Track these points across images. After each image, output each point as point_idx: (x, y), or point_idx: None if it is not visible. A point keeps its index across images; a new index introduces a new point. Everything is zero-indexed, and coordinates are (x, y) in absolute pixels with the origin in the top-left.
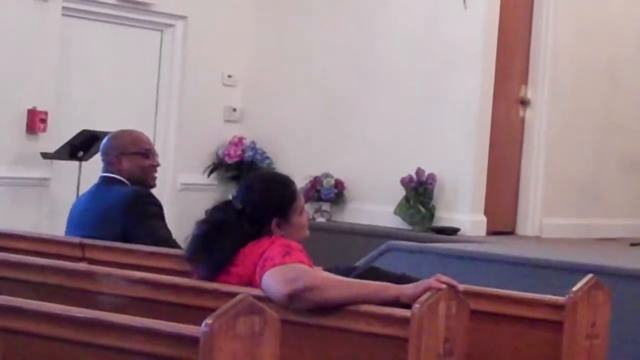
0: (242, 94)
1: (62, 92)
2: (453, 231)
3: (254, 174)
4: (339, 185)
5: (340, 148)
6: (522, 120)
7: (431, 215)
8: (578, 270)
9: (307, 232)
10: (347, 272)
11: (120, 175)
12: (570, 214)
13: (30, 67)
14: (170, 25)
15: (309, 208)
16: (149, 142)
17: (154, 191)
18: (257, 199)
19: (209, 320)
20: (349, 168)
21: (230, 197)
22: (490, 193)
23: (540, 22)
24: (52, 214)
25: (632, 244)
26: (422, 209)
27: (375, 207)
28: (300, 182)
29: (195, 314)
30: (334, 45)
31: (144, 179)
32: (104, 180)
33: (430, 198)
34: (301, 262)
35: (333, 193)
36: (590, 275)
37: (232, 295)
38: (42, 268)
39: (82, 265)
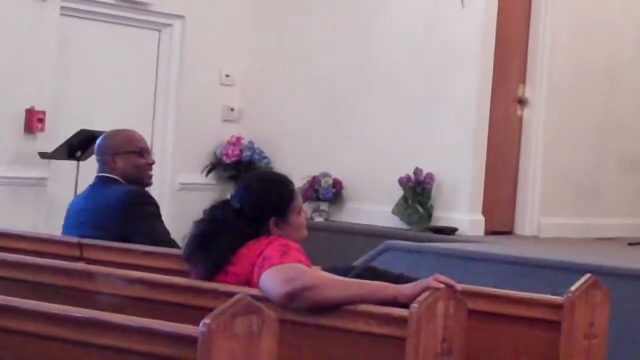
0: (240, 94)
1: (60, 92)
2: (451, 231)
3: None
4: (337, 185)
5: (338, 148)
6: (521, 120)
7: (429, 215)
8: (576, 270)
9: (306, 232)
10: (345, 272)
11: (116, 175)
12: (568, 214)
13: (29, 67)
14: (169, 25)
15: (307, 208)
16: (143, 141)
17: (153, 191)
18: (255, 198)
19: (207, 320)
20: (348, 168)
21: (228, 196)
22: (489, 193)
23: (538, 21)
24: (50, 214)
25: (631, 244)
26: (421, 209)
27: (373, 207)
28: (299, 182)
29: (194, 314)
30: (332, 45)
31: (140, 178)
32: (101, 180)
33: (429, 198)
34: (299, 262)
35: (331, 193)
36: (588, 275)
37: (230, 295)
38: (40, 268)
39: (81, 265)
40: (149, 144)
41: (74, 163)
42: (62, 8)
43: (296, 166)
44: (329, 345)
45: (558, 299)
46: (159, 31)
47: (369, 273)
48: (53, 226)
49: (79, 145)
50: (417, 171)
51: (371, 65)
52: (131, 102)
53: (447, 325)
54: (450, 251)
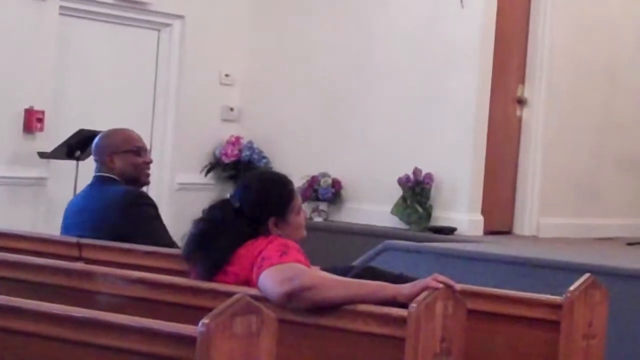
0: (240, 94)
1: (59, 92)
2: (450, 231)
3: (252, 173)
4: (336, 184)
5: (337, 148)
6: (520, 120)
7: (428, 214)
8: (575, 270)
9: (305, 232)
10: (344, 271)
11: (114, 174)
12: (567, 214)
13: (27, 67)
14: (168, 25)
15: (306, 208)
16: (140, 140)
17: (151, 191)
18: (254, 198)
19: (206, 320)
20: (346, 168)
21: (227, 196)
22: (488, 192)
23: (537, 21)
24: (49, 214)
25: (629, 244)
26: (419, 209)
27: (372, 207)
28: (298, 181)
29: (193, 314)
30: (331, 45)
31: (138, 177)
32: (99, 180)
33: (428, 198)
34: (298, 261)
35: (330, 193)
36: (587, 275)
37: (229, 294)
38: (39, 268)
39: (80, 265)
40: (147, 143)
41: (73, 163)
42: (61, 7)
43: (295, 166)
44: (328, 345)
45: (557, 298)
46: (158, 31)
47: (368, 273)
48: (52, 226)
49: (78, 145)
50: (416, 171)
51: (370, 65)
52: (130, 102)
53: (445, 324)
54: (449, 251)
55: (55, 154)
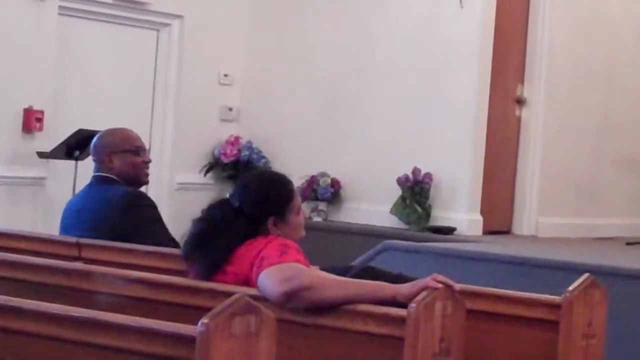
0: (239, 93)
1: (59, 92)
2: (449, 230)
3: (251, 173)
4: (335, 184)
5: (336, 147)
6: (519, 119)
7: (427, 214)
8: (574, 270)
9: (304, 232)
10: (343, 271)
11: (113, 174)
12: (566, 213)
13: (27, 66)
14: (167, 25)
15: (305, 207)
16: (138, 139)
17: (150, 190)
18: (254, 197)
19: (205, 320)
20: (346, 167)
21: (226, 195)
22: (487, 192)
23: (536, 20)
24: (48, 214)
25: (628, 243)
26: (419, 209)
27: (371, 207)
28: (297, 181)
29: (192, 314)
30: (331, 45)
31: (136, 176)
32: (97, 180)
33: (427, 197)
34: (298, 261)
35: (329, 192)
36: (586, 275)
37: (228, 294)
38: (39, 267)
39: (79, 265)
40: (147, 143)
41: (72, 162)
42: (61, 7)
43: (294, 166)
44: (327, 344)
45: (556, 298)
46: (158, 30)
47: (367, 272)
48: (51, 226)
49: (77, 145)
50: (415, 171)
51: (370, 65)
52: (129, 102)
53: (445, 324)
54: (449, 251)
55: (54, 154)
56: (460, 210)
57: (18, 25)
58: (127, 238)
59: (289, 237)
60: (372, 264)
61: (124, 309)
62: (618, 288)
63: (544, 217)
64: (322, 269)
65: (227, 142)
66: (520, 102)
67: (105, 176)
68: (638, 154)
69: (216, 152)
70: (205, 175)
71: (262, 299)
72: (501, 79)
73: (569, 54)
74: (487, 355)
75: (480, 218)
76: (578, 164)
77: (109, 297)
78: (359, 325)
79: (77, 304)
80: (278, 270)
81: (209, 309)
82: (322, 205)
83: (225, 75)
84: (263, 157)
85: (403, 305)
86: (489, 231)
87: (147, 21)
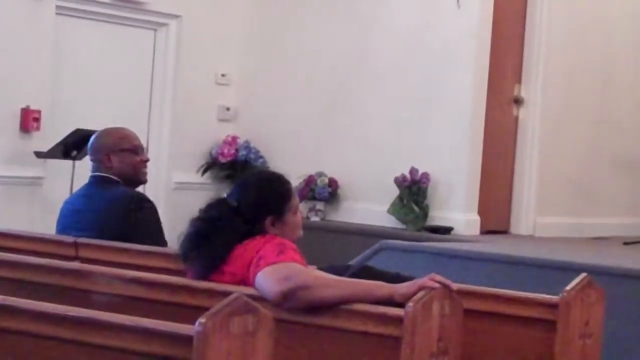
0: (236, 93)
1: (56, 91)
2: (446, 230)
3: (249, 172)
4: (333, 184)
5: (334, 147)
6: (516, 119)
7: (425, 214)
8: (571, 269)
9: (301, 232)
10: (341, 271)
11: (111, 174)
12: (563, 213)
13: (24, 66)
14: (164, 24)
15: (303, 207)
16: (136, 139)
17: (148, 190)
18: (252, 196)
19: (202, 320)
20: (343, 167)
21: (224, 195)
22: (484, 192)
23: (533, 21)
24: (45, 213)
25: (626, 243)
26: (416, 208)
27: (369, 206)
28: (295, 181)
29: (190, 313)
30: (328, 45)
31: (135, 175)
32: (96, 180)
33: (424, 197)
34: (295, 261)
35: (327, 192)
36: (583, 274)
37: (225, 294)
38: (36, 267)
39: (76, 264)
40: (144, 142)
41: (69, 162)
42: (58, 7)
43: (292, 165)
44: (325, 344)
45: (553, 298)
46: (155, 30)
47: (365, 272)
48: (48, 225)
49: (74, 145)
50: (413, 170)
51: (367, 65)
52: (126, 101)
53: (442, 324)
54: (446, 250)
55: (52, 154)
56: (457, 210)
57: (15, 24)
58: (126, 239)
59: (287, 236)
60: (370, 263)
61: (121, 308)
62: (615, 288)
63: (541, 217)
64: (320, 268)
65: (225, 142)
66: (517, 102)
67: (104, 176)
68: (635, 153)
69: (214, 151)
70: (202, 175)
71: (260, 298)
72: (498, 79)
73: (566, 54)
74: (485, 355)
75: (477, 218)
76: (575, 164)
77: (107, 297)
78: (356, 325)
79: (74, 303)
80: (275, 270)
81: (206, 309)
82: (319, 205)
83: (223, 75)
84: (260, 156)
85: (400, 305)
86: (486, 231)
87: (144, 21)
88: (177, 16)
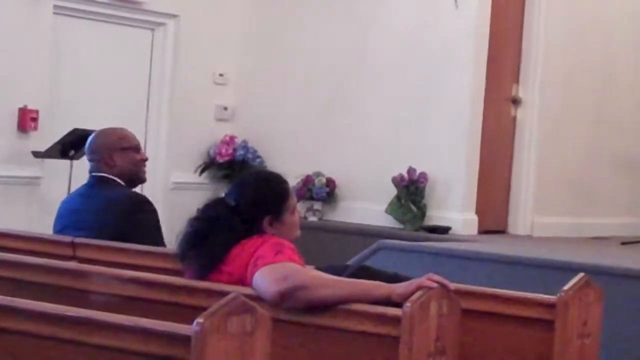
0: (234, 93)
1: (53, 91)
2: (444, 230)
3: (247, 172)
4: (330, 184)
5: (332, 147)
6: (514, 119)
7: (422, 214)
8: (569, 269)
9: (299, 232)
10: (338, 271)
11: (113, 173)
12: (561, 213)
13: (21, 66)
14: (162, 24)
15: (300, 207)
16: (135, 138)
17: (146, 190)
18: (250, 196)
19: (200, 319)
20: (341, 167)
21: (222, 195)
22: (482, 192)
23: (531, 20)
24: (43, 213)
25: (623, 243)
26: (414, 208)
27: (366, 206)
28: (292, 181)
29: (187, 313)
30: (325, 44)
31: (136, 174)
32: (96, 180)
33: (422, 197)
34: (293, 260)
35: (325, 192)
36: (581, 274)
37: (223, 294)
38: (33, 267)
39: (73, 264)
40: (142, 142)
41: (67, 162)
42: (55, 7)
43: (289, 165)
44: (323, 344)
45: (551, 298)
46: (153, 30)
47: (363, 272)
48: (46, 225)
49: (72, 144)
50: (411, 170)
51: (365, 65)
52: (124, 101)
53: (440, 324)
54: (444, 250)
55: (49, 153)
56: (455, 210)
57: (13, 24)
58: (125, 240)
59: (284, 236)
60: (368, 263)
61: (119, 308)
62: (613, 287)
63: (539, 217)
64: (318, 268)
65: (222, 142)
66: (515, 102)
67: (104, 176)
68: (635, 153)
69: (211, 151)
70: (200, 174)
71: (258, 298)
72: (496, 79)
73: (564, 53)
74: (482, 355)
75: (475, 217)
76: (573, 164)
77: (104, 297)
78: (354, 325)
79: (72, 303)
80: (273, 269)
81: (204, 309)
82: (317, 205)
83: (221, 75)
84: (258, 156)
85: (398, 305)
86: (484, 231)
87: (142, 20)
88: (174, 16)
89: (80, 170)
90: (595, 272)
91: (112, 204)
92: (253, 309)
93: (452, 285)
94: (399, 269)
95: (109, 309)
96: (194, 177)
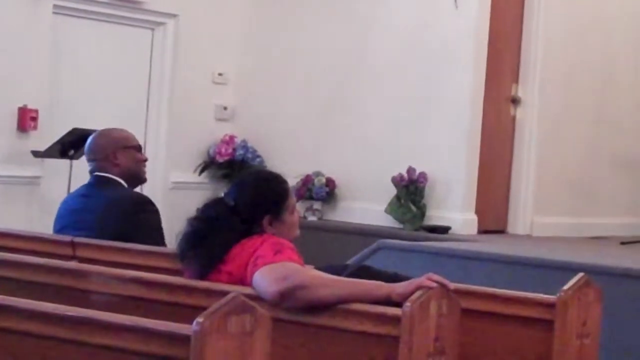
0: (233, 93)
1: (53, 90)
2: (444, 230)
3: (247, 172)
4: (330, 183)
5: (331, 147)
6: (513, 119)
7: (422, 213)
8: (569, 269)
9: (298, 231)
10: (338, 270)
11: (115, 173)
12: (561, 213)
13: (21, 65)
14: (162, 24)
15: (300, 207)
16: (136, 138)
17: (145, 190)
18: (249, 196)
19: (200, 319)
20: (340, 166)
21: (221, 194)
22: (481, 191)
23: (531, 20)
24: (43, 212)
25: (623, 243)
26: (413, 208)
27: (366, 206)
28: (292, 180)
29: (187, 313)
30: (325, 44)
31: (139, 173)
32: (98, 180)
33: (422, 197)
34: (292, 260)
35: (324, 192)
36: (581, 274)
37: (223, 293)
38: (33, 266)
39: (73, 264)
40: (141, 142)
41: (66, 161)
42: (55, 6)
43: (289, 165)
44: (322, 344)
45: (550, 297)
46: (152, 30)
47: (363, 272)
48: (46, 224)
49: (72, 144)
50: (410, 170)
51: (365, 65)
52: (124, 101)
53: (440, 324)
54: (443, 250)
55: (49, 153)
56: (455, 210)
57: (13, 24)
58: (127, 240)
59: (284, 236)
60: (367, 263)
61: (118, 308)
62: (612, 287)
63: (538, 217)
64: (317, 268)
65: (222, 141)
66: (515, 101)
67: (105, 176)
68: (635, 153)
69: (211, 151)
70: (200, 174)
71: (258, 298)
72: (496, 79)
73: (564, 53)
74: (482, 355)
75: (475, 217)
76: (573, 163)
77: (104, 296)
78: (354, 325)
79: (72, 303)
80: (272, 269)
81: (204, 308)
82: (317, 205)
83: (220, 74)
84: (258, 156)
85: (398, 305)
86: (483, 230)
87: (142, 20)
88: (174, 15)
89: (80, 170)
90: (594, 272)
91: (113, 204)
92: (253, 309)
93: (452, 285)
94: (398, 269)
95: (109, 309)
96: (193, 177)
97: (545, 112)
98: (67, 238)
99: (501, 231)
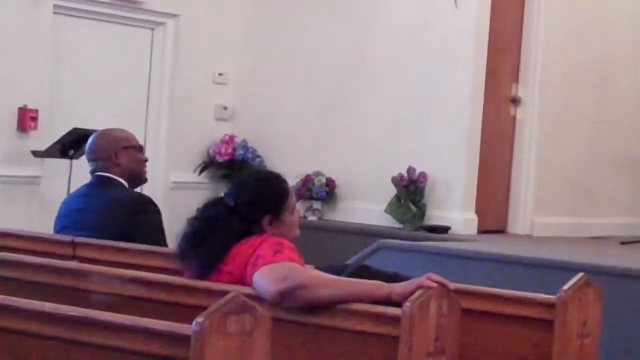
0: (233, 92)
1: (53, 90)
2: (444, 230)
3: (247, 171)
4: (330, 183)
5: (331, 146)
6: (513, 119)
7: (422, 213)
8: (569, 269)
9: (298, 231)
10: (338, 270)
11: (116, 173)
12: (561, 213)
13: (21, 65)
14: (162, 24)
15: (300, 206)
16: (136, 138)
17: (145, 189)
18: (249, 196)
19: (200, 319)
20: (340, 166)
21: (221, 194)
22: (482, 191)
23: (531, 20)
24: (43, 212)
25: (623, 243)
26: (413, 208)
27: (366, 206)
28: (292, 180)
29: (187, 313)
30: (325, 44)
31: (140, 173)
32: (99, 180)
33: (421, 196)
34: (292, 260)
35: (324, 191)
36: (581, 274)
37: (223, 293)
38: (33, 266)
39: (74, 264)
40: (141, 142)
41: (66, 161)
42: (55, 6)
43: (289, 165)
44: (322, 343)
45: (551, 297)
46: (152, 29)
47: (362, 272)
48: (46, 224)
49: (72, 144)
50: (410, 170)
51: (364, 65)
52: (124, 101)
53: (439, 324)
54: (443, 250)
55: (49, 153)
56: (455, 210)
57: (13, 24)
58: (128, 241)
59: (284, 236)
60: (367, 263)
61: (119, 308)
62: (613, 287)
63: (538, 217)
64: (317, 268)
65: (222, 141)
66: (515, 101)
67: (107, 176)
68: (634, 153)
69: (211, 151)
70: (200, 174)
71: (257, 298)
72: (496, 79)
73: (564, 53)
74: (482, 355)
75: (475, 217)
76: (573, 163)
77: (104, 296)
78: (354, 325)
79: (72, 303)
80: (272, 269)
81: (204, 308)
82: (316, 204)
83: (220, 74)
84: (258, 156)
85: (398, 305)
86: (483, 230)
87: (142, 20)
88: (174, 15)
89: (80, 170)
90: (594, 272)
91: (114, 204)
92: (253, 309)
93: (452, 285)
94: (398, 269)
95: (109, 309)
96: (193, 177)
97: (545, 112)
98: (67, 238)
99: (501, 231)
